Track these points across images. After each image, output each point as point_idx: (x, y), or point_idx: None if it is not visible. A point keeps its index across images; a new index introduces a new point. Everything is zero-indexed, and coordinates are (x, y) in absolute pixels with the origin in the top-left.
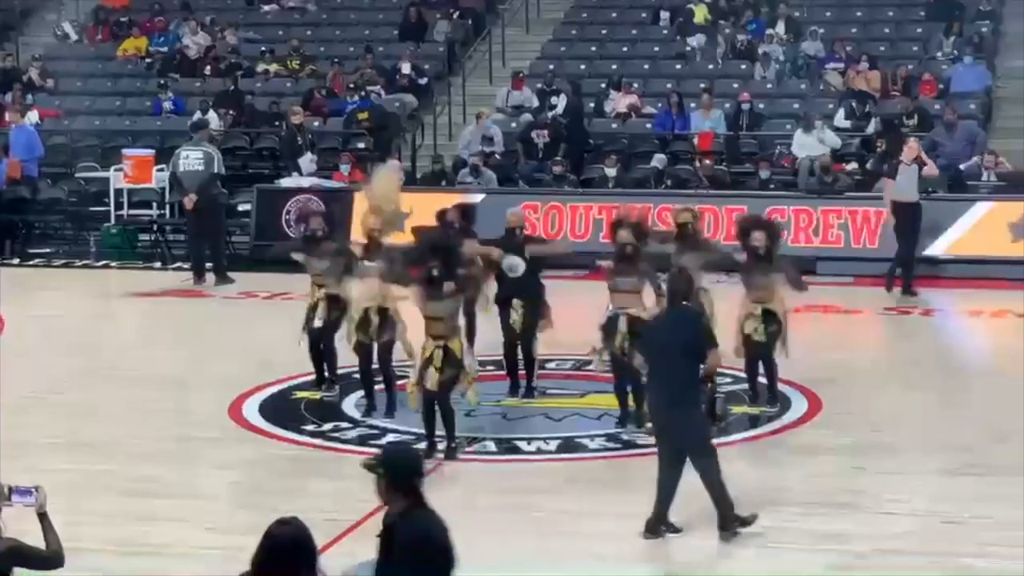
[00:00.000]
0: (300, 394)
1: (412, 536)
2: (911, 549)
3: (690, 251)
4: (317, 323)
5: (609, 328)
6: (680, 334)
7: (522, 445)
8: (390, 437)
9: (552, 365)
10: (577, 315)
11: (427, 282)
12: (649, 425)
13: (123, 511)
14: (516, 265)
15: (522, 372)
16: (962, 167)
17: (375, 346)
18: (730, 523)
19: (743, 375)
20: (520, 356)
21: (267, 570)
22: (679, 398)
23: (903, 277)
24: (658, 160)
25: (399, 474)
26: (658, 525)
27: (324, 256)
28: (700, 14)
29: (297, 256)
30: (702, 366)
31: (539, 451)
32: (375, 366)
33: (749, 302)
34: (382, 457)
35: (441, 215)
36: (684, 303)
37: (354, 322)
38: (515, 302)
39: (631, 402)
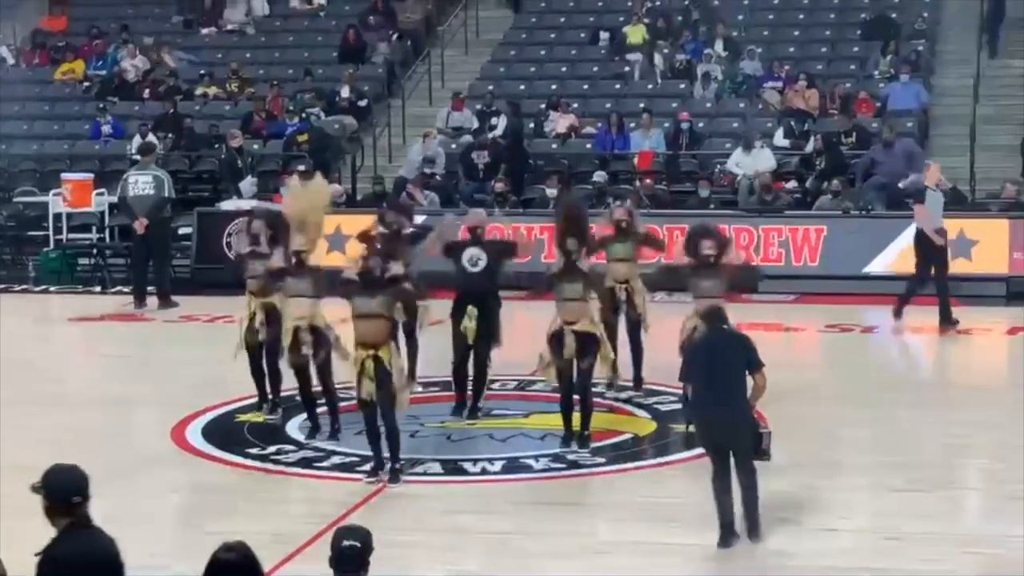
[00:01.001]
0: (243, 417)
1: (73, 557)
2: (853, 566)
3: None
4: (260, 336)
5: (557, 341)
6: (738, 354)
7: (467, 466)
8: (334, 460)
9: (496, 385)
10: (521, 334)
11: (364, 279)
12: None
13: None
14: (477, 258)
15: (469, 392)
16: (902, 184)
17: (312, 366)
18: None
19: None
20: (471, 371)
21: None
22: (742, 411)
23: (940, 307)
24: (599, 176)
25: (57, 494)
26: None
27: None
28: (638, 34)
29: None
30: None
31: (484, 472)
32: (318, 387)
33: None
34: (43, 477)
35: (364, 236)
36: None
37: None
38: (470, 309)
39: (576, 422)
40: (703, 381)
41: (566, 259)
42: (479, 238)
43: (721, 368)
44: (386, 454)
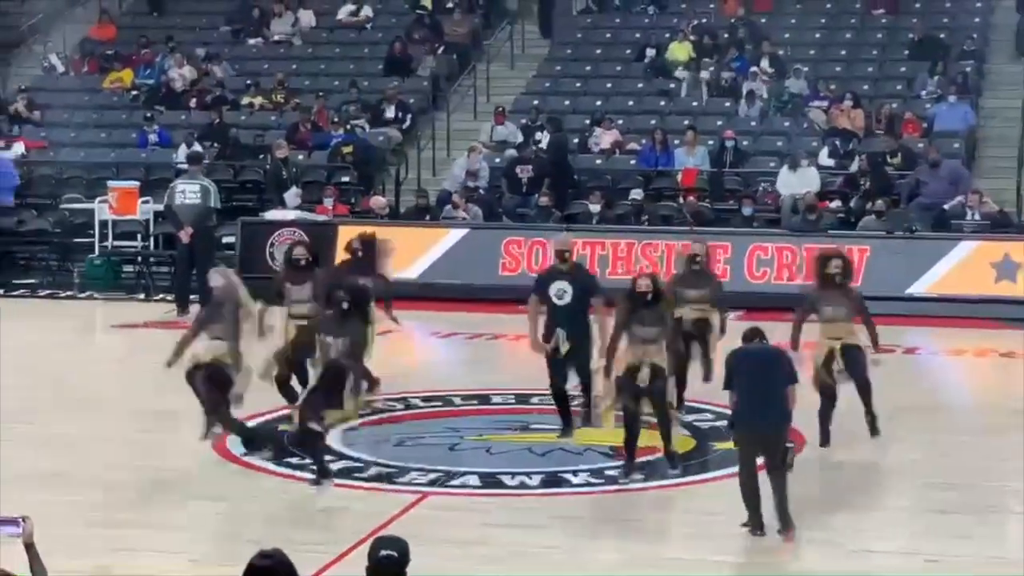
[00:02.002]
0: (284, 426)
1: None
2: None
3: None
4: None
5: (627, 381)
6: (782, 367)
7: (506, 479)
8: (374, 470)
9: (536, 400)
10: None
11: (336, 313)
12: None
13: (104, 543)
14: (563, 291)
15: (575, 408)
16: (946, 206)
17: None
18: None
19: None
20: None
21: None
22: (783, 423)
23: None
24: (636, 193)
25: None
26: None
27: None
28: (684, 52)
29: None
30: None
31: (523, 485)
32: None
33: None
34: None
35: (348, 246)
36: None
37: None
38: (560, 333)
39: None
40: (748, 391)
41: (641, 298)
42: (566, 260)
43: (767, 380)
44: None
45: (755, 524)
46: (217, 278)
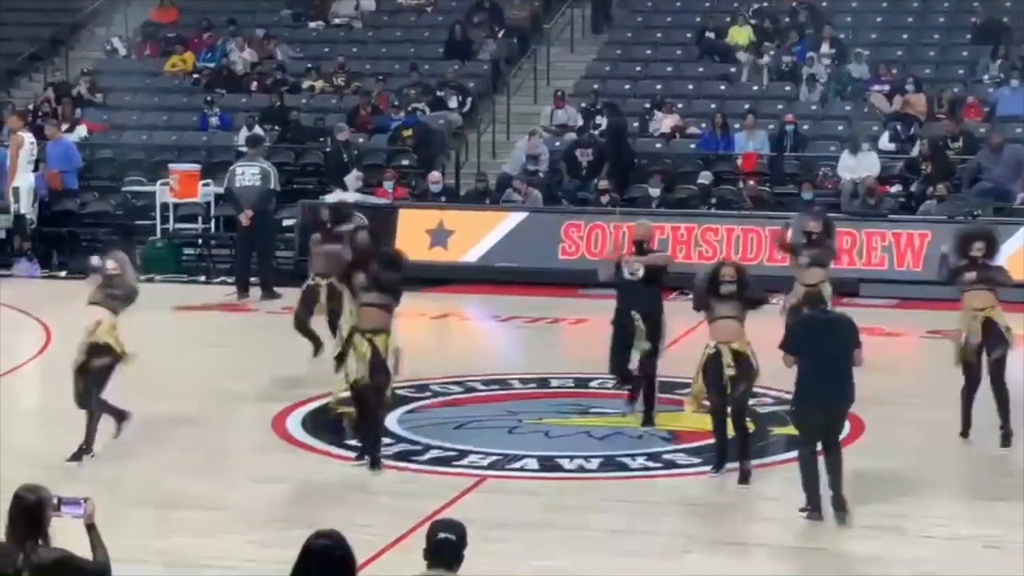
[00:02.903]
0: (343, 409)
1: None
2: (952, 573)
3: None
4: None
5: (712, 369)
6: (850, 337)
7: (564, 463)
8: (432, 453)
9: (595, 384)
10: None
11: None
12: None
13: (166, 523)
14: (636, 268)
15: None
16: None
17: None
18: (844, 509)
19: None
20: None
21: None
22: (849, 391)
23: None
24: (704, 177)
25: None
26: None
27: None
28: (744, 35)
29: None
30: None
31: (581, 469)
32: None
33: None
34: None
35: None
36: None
37: None
38: (633, 313)
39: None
40: (813, 362)
41: (725, 288)
42: (644, 251)
43: (833, 350)
44: None
45: (814, 507)
46: (111, 262)
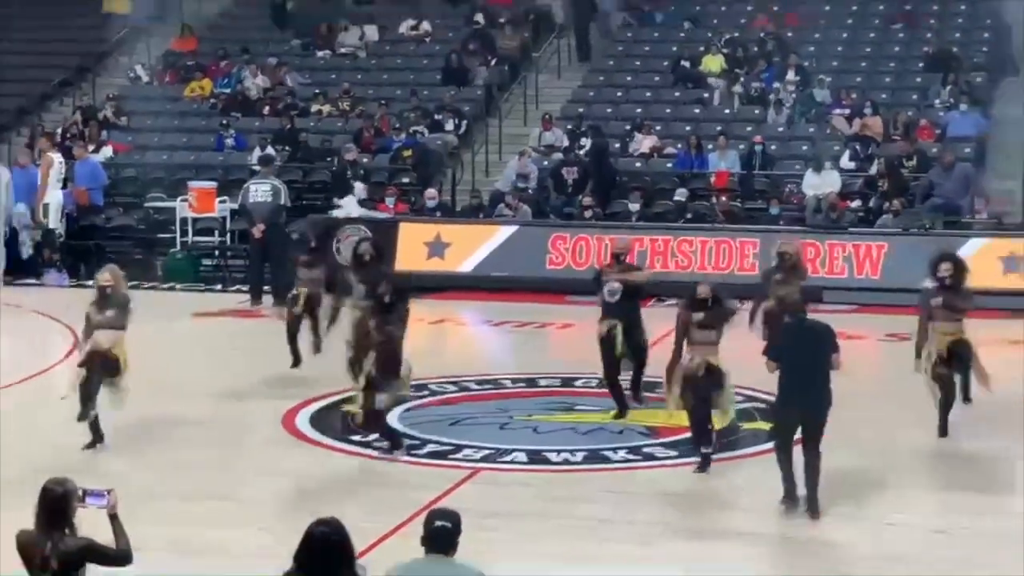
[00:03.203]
0: (347, 407)
1: None
2: (904, 556)
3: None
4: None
5: (692, 380)
6: (828, 343)
7: (551, 456)
8: (430, 447)
9: (580, 383)
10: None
11: (379, 305)
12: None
13: (182, 514)
14: (615, 290)
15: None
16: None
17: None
18: (816, 508)
19: (754, 393)
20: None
21: (307, 565)
22: (827, 397)
23: None
24: (680, 194)
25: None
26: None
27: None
28: (717, 63)
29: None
30: None
31: (566, 462)
32: None
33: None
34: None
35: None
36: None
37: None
38: (615, 327)
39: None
40: (795, 366)
41: (700, 305)
42: (623, 263)
43: (814, 356)
44: None
45: (788, 496)
46: (106, 275)
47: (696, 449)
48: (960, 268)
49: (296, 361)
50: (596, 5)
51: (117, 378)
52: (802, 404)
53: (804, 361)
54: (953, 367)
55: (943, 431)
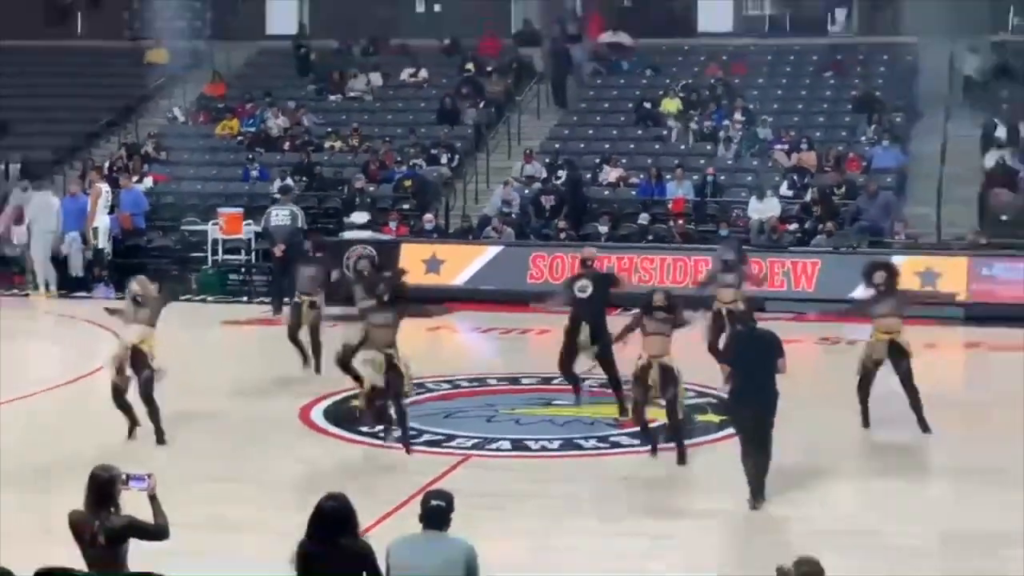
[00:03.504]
0: (356, 403)
1: None
2: (839, 531)
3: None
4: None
5: (641, 377)
6: (775, 351)
7: (531, 445)
8: (426, 437)
9: (556, 381)
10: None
11: (378, 303)
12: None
13: (213, 495)
14: (586, 286)
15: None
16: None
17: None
18: (759, 499)
19: (707, 389)
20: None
21: (317, 533)
22: (774, 395)
23: None
24: (643, 218)
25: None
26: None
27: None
28: (674, 105)
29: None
30: None
31: (544, 449)
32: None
33: (879, 333)
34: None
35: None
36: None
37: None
38: (583, 326)
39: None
40: (745, 370)
41: (656, 307)
42: (590, 268)
43: (762, 362)
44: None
45: (755, 495)
46: (135, 286)
47: (652, 439)
48: (893, 274)
49: (305, 358)
50: (572, 59)
51: (147, 370)
52: (755, 405)
53: (754, 366)
54: (895, 364)
55: (865, 420)
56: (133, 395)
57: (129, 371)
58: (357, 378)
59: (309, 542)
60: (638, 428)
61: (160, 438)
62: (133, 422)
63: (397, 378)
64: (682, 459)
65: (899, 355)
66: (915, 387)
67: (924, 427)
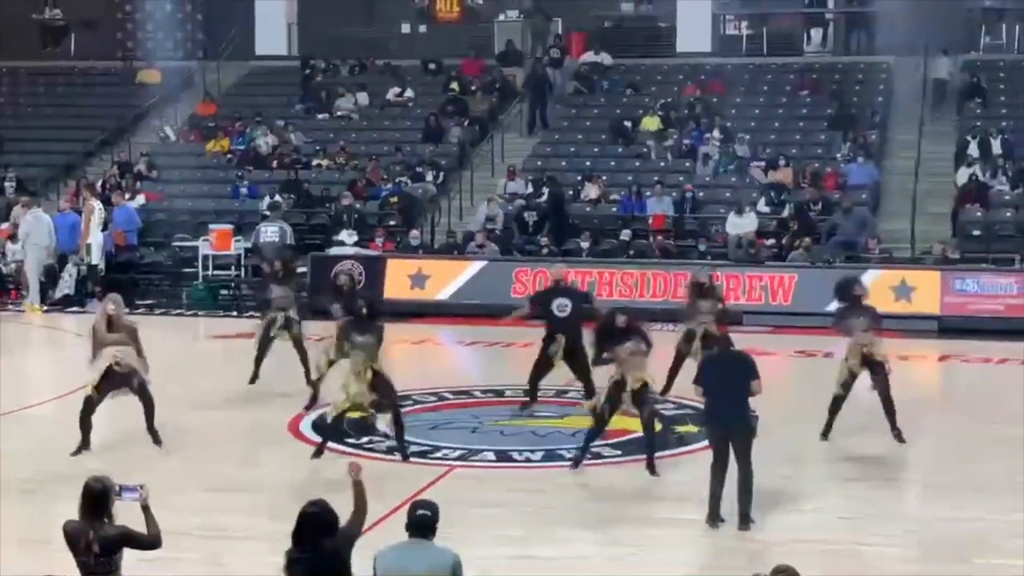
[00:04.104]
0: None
1: None
2: (814, 538)
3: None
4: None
5: (614, 392)
6: (748, 371)
7: (515, 455)
8: (413, 448)
9: (538, 394)
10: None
11: (355, 320)
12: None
13: (205, 504)
14: (564, 305)
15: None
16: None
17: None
18: (748, 521)
19: (684, 401)
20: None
21: (299, 538)
22: (748, 417)
23: None
24: (623, 234)
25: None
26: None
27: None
28: (654, 123)
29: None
30: None
31: (528, 460)
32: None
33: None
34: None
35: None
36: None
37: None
38: (559, 336)
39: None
40: (719, 392)
41: (617, 328)
42: (563, 286)
43: (736, 382)
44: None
45: (712, 515)
46: (110, 304)
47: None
48: (861, 289)
49: (254, 378)
50: (552, 85)
51: (134, 377)
52: (726, 426)
53: (725, 387)
54: (873, 378)
55: (826, 432)
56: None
57: (111, 390)
58: (316, 396)
59: (295, 549)
60: (593, 428)
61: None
62: (86, 443)
63: (389, 390)
64: (653, 470)
65: (875, 367)
66: (891, 398)
67: (899, 437)
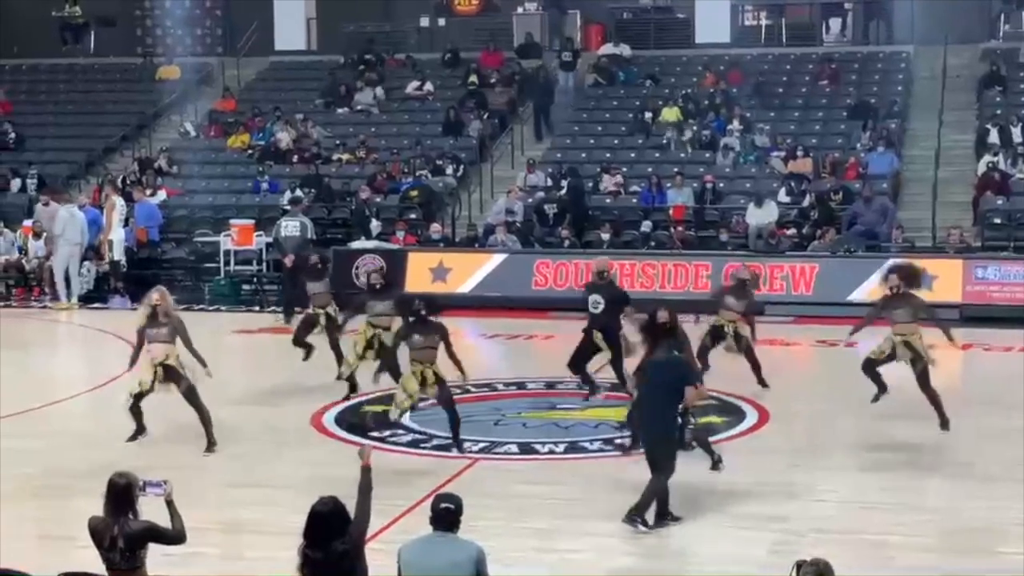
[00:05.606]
0: (367, 408)
1: None
2: (837, 528)
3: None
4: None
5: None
6: (672, 377)
7: (538, 447)
8: (435, 442)
9: (560, 386)
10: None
11: (415, 321)
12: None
13: (228, 498)
14: (597, 302)
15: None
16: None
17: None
18: (635, 516)
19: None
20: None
21: (310, 534)
22: (669, 424)
23: None
24: (644, 225)
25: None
26: (642, 514)
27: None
28: (673, 115)
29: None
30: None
31: (551, 452)
32: None
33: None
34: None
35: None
36: (673, 350)
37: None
38: (596, 333)
39: None
40: (647, 398)
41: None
42: (598, 282)
43: (664, 390)
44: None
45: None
46: (155, 295)
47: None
48: (908, 276)
49: (308, 352)
50: (552, 94)
51: (181, 381)
52: (643, 434)
53: (656, 393)
54: (913, 366)
55: (881, 391)
56: (147, 404)
57: (161, 386)
58: (354, 387)
59: (307, 547)
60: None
61: (210, 445)
62: (140, 429)
63: (446, 389)
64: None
65: (914, 357)
66: (931, 388)
67: (944, 424)
